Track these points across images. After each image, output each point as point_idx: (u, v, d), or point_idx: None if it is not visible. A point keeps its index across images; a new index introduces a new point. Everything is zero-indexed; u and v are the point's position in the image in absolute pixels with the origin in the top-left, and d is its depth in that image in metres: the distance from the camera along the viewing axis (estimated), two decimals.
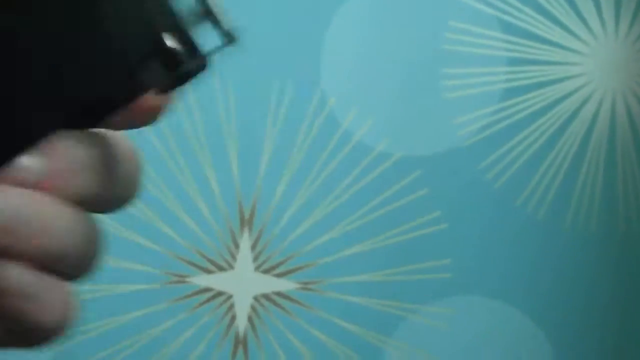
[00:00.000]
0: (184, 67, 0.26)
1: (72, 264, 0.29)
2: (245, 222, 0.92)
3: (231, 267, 0.92)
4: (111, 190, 0.29)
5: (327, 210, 0.93)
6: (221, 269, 0.92)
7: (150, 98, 0.28)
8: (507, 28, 0.95)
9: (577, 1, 0.95)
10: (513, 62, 0.95)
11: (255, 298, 0.93)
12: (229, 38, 0.27)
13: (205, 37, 0.27)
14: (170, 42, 0.26)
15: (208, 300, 0.92)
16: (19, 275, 0.27)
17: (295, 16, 0.93)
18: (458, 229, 0.95)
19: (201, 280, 0.92)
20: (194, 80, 0.27)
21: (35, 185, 0.27)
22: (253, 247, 0.92)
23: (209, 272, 0.92)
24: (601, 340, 0.96)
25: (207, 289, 0.92)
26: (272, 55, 0.92)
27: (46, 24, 0.25)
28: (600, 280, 0.97)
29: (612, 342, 0.97)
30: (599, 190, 0.97)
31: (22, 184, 0.27)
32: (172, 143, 0.91)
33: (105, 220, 0.90)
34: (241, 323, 0.92)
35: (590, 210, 0.96)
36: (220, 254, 0.92)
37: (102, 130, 0.29)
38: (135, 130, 0.29)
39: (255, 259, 0.93)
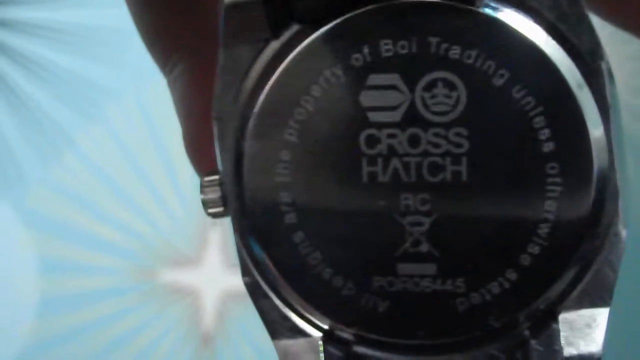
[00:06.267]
0: None
1: None
2: None
3: (201, 262, 0.91)
4: None
5: None
6: (191, 263, 0.91)
7: None
8: None
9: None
10: None
11: (225, 293, 0.92)
12: None
13: None
14: None
15: (177, 294, 0.91)
16: None
17: None
18: None
19: (170, 274, 0.91)
20: None
21: None
22: (223, 242, 0.92)
23: (178, 266, 0.91)
24: None
25: (175, 283, 0.91)
26: None
27: None
28: None
29: None
30: None
31: None
32: (144, 135, 0.90)
33: (76, 213, 0.89)
34: (209, 318, 0.92)
35: None
36: (190, 249, 0.91)
37: None
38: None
39: (225, 254, 0.92)
